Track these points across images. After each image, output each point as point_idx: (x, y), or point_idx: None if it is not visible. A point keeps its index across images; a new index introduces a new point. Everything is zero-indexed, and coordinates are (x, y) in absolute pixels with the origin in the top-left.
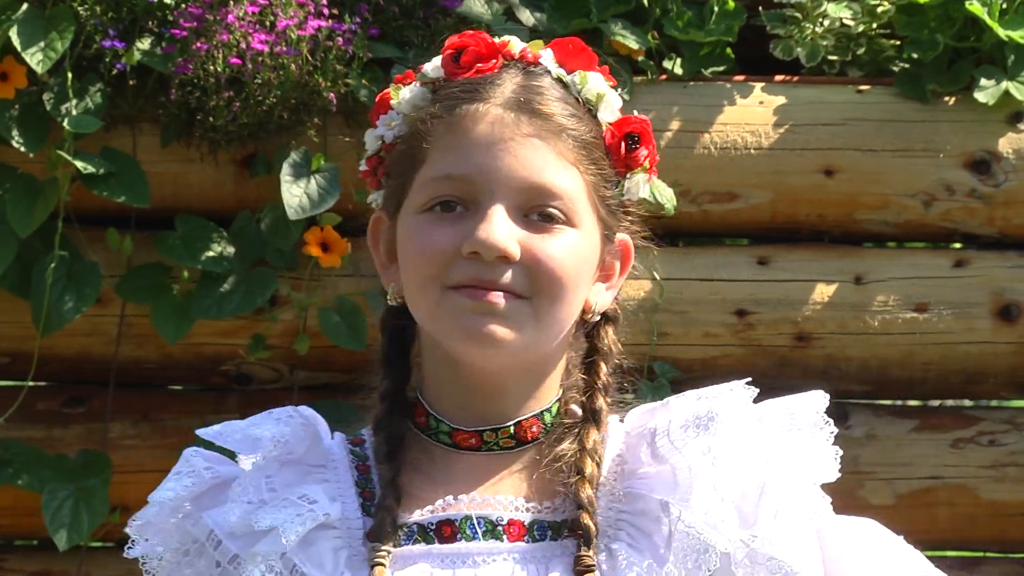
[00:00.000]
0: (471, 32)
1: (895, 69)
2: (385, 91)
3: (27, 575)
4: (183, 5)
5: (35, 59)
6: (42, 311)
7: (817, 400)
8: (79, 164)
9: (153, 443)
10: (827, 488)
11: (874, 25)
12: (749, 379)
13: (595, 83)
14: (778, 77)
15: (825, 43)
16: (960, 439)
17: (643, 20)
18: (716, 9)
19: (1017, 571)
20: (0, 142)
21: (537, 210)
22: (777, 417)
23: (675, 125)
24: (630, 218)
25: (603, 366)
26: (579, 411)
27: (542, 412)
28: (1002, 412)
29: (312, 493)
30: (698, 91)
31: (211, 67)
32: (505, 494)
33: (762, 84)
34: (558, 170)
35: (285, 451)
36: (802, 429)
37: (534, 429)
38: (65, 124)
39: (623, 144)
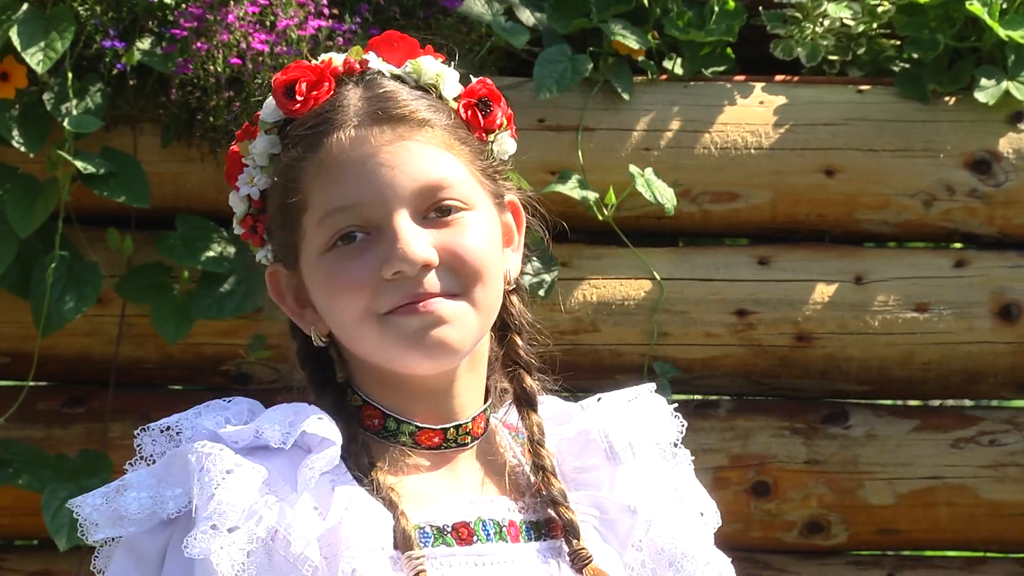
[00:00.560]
0: (292, 64)
1: (895, 69)
2: (231, 149)
3: (27, 575)
4: (183, 5)
5: (35, 59)
6: (42, 311)
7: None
8: (79, 164)
9: None
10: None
11: (874, 25)
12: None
13: (428, 66)
14: (778, 77)
15: (825, 43)
16: (960, 439)
17: (643, 20)
18: (716, 9)
19: (1017, 571)
20: (0, 142)
21: (434, 207)
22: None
23: (675, 125)
24: (503, 177)
25: (518, 340)
26: (513, 397)
27: (486, 408)
28: (1002, 412)
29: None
30: (698, 91)
31: (211, 67)
32: (493, 494)
33: (762, 84)
34: (436, 161)
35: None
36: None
37: (482, 425)
38: (65, 124)
39: (477, 112)
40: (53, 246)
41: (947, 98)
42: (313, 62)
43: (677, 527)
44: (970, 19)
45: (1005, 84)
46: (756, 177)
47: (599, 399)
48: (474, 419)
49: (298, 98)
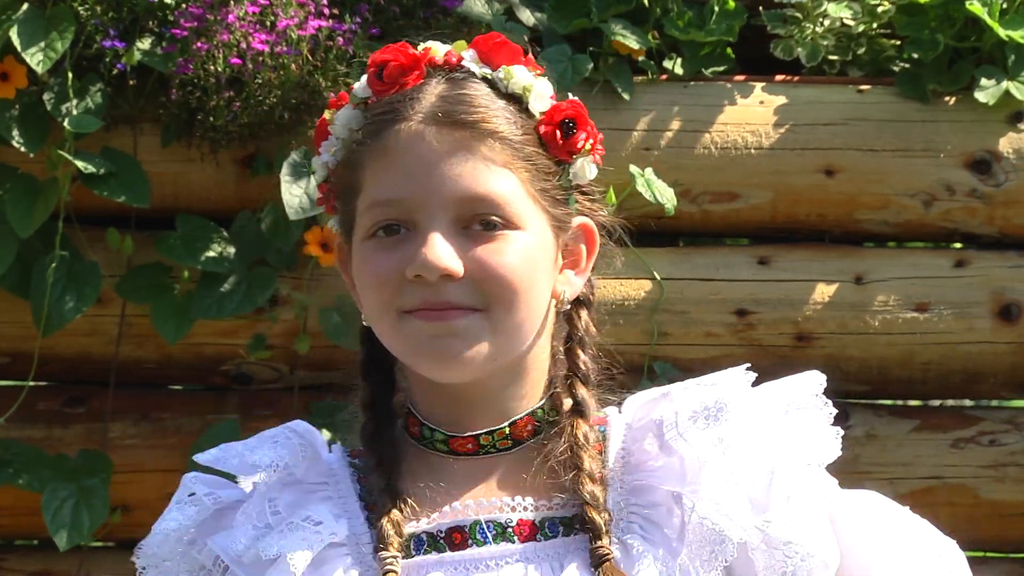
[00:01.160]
0: (393, 45)
1: (895, 69)
2: (323, 116)
3: (27, 575)
4: (183, 5)
5: (35, 59)
6: (42, 311)
7: (814, 381)
8: (79, 164)
9: (153, 443)
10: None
11: (874, 25)
12: (747, 365)
13: (520, 76)
14: (778, 77)
15: (825, 43)
16: (960, 439)
17: (643, 20)
18: (716, 9)
19: (1017, 571)
20: (0, 142)
21: (477, 220)
22: (777, 400)
23: (675, 125)
24: (589, 198)
25: (580, 353)
26: (568, 403)
27: (535, 409)
28: (1002, 412)
29: (316, 514)
30: (698, 91)
31: (211, 67)
32: (511, 495)
33: (762, 84)
34: (489, 176)
35: (286, 473)
36: (801, 410)
37: (529, 428)
38: (65, 124)
39: (559, 132)
40: (53, 246)
41: (947, 98)
42: (418, 48)
43: (724, 511)
44: (970, 19)
45: (1005, 84)
46: (756, 177)
47: (684, 384)
48: (515, 424)
49: (385, 80)
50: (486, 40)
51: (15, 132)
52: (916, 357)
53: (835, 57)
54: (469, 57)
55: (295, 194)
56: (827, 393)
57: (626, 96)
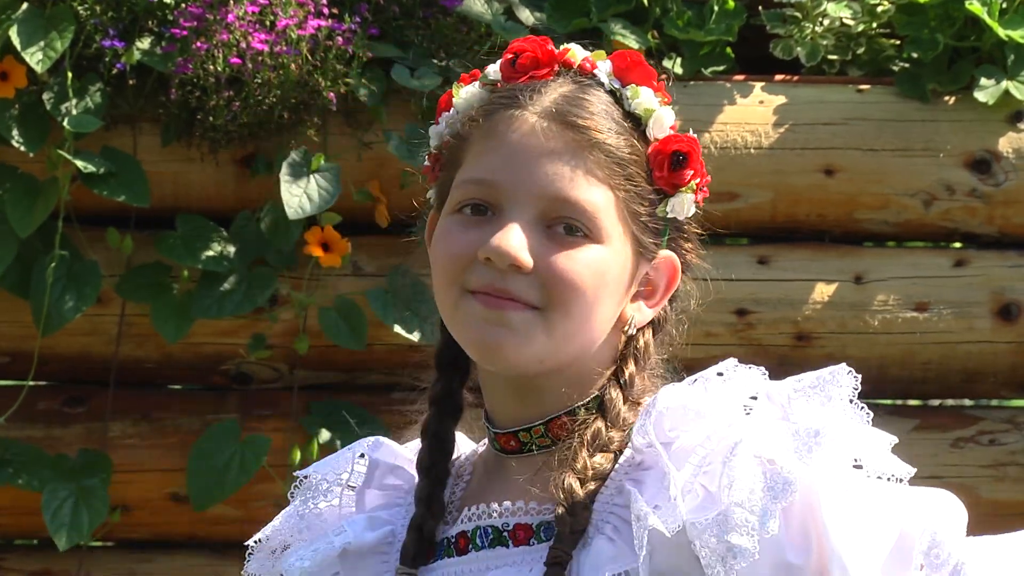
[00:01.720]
0: (534, 37)
1: (895, 69)
2: (449, 90)
3: (27, 574)
4: (183, 5)
5: (35, 58)
6: (42, 311)
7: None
8: (79, 163)
9: (153, 443)
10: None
11: (874, 25)
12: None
13: (646, 98)
14: (778, 77)
15: (825, 43)
16: (960, 438)
17: (643, 20)
18: (716, 9)
19: None
20: (0, 142)
21: (561, 222)
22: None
23: (675, 125)
24: (683, 236)
25: (630, 363)
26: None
27: (575, 408)
28: (1002, 411)
29: (356, 522)
30: (698, 91)
31: (211, 67)
32: (521, 497)
33: (762, 84)
34: (585, 184)
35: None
36: (832, 404)
37: (568, 427)
38: (65, 124)
39: (667, 162)
40: (53, 246)
41: (947, 98)
42: (558, 48)
43: (685, 491)
44: (970, 19)
45: (1005, 84)
46: (756, 177)
47: (695, 378)
48: (550, 422)
49: (517, 68)
50: (624, 55)
51: (15, 132)
52: (916, 357)
53: (835, 57)
54: (603, 68)
55: (295, 194)
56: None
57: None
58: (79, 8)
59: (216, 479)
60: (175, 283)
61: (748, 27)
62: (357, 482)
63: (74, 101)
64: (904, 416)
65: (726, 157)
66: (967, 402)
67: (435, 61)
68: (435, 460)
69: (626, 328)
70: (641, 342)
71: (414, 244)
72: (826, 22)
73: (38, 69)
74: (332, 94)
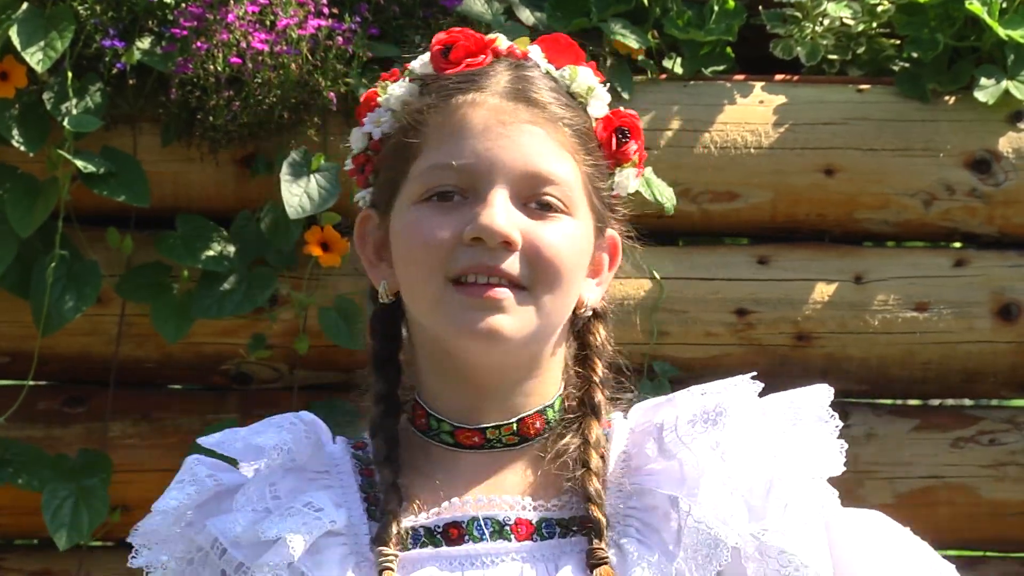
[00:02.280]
0: (459, 28)
1: (895, 68)
2: (372, 89)
3: (27, 574)
4: (183, 4)
5: (35, 58)
6: (42, 311)
7: (822, 394)
8: (79, 163)
9: (153, 443)
10: (831, 487)
11: (874, 24)
12: (754, 373)
13: (584, 77)
14: (778, 76)
15: (825, 42)
16: (960, 438)
17: (643, 19)
18: (716, 8)
19: (1017, 571)
20: (0, 142)
21: (536, 198)
22: (782, 411)
23: (675, 124)
24: (618, 214)
25: (598, 361)
26: (578, 406)
27: (545, 408)
28: (1002, 411)
29: (317, 500)
30: (698, 90)
31: (211, 66)
32: (511, 493)
33: (762, 83)
34: (556, 158)
35: (288, 458)
36: (807, 423)
37: (537, 425)
38: (65, 123)
39: (613, 138)
40: (53, 246)
41: (947, 98)
42: (484, 36)
43: (720, 516)
44: (970, 18)
45: (1005, 83)
46: (756, 177)
47: (689, 390)
48: (523, 420)
49: (452, 59)
50: (553, 39)
51: (15, 132)
52: (916, 356)
53: (835, 57)
54: (535, 52)
55: (295, 193)
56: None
57: (626, 95)
58: (79, 8)
59: None
60: (175, 283)
61: (748, 27)
62: (280, 459)
63: (74, 101)
64: (904, 416)
65: (726, 157)
66: (967, 402)
67: None
68: (390, 452)
69: (581, 310)
70: (600, 337)
71: None
72: (826, 22)
73: (38, 69)
74: (332, 94)
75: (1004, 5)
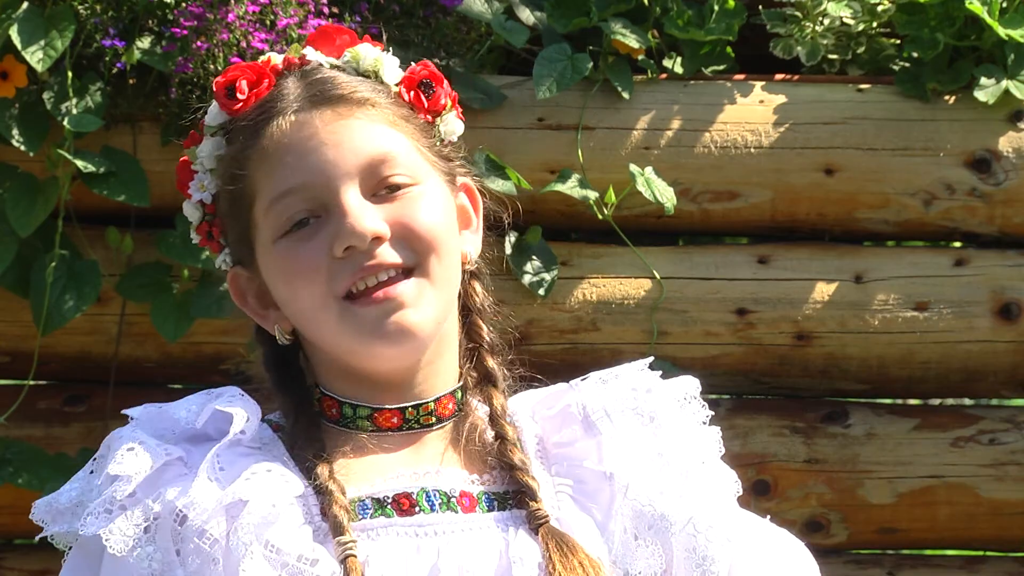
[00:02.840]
0: (231, 66)
1: (895, 68)
2: (182, 158)
3: (27, 574)
4: (183, 4)
5: (35, 58)
6: (42, 310)
7: (690, 384)
8: (79, 163)
9: None
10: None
11: (874, 24)
12: (650, 360)
13: (366, 53)
14: (778, 76)
15: (825, 42)
16: (960, 438)
17: (643, 19)
18: (716, 8)
19: (1017, 570)
20: (0, 141)
21: (383, 184)
22: (673, 395)
23: (675, 124)
24: (459, 161)
25: (482, 324)
26: (478, 380)
27: (455, 390)
28: (1002, 411)
29: (273, 469)
30: (698, 90)
31: (211, 66)
32: (450, 467)
33: (762, 83)
34: (381, 138)
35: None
36: (688, 407)
37: (450, 406)
38: (65, 123)
39: (420, 93)
40: (53, 245)
41: (947, 97)
42: (256, 62)
43: (657, 490)
44: (970, 18)
45: (1005, 83)
46: (756, 176)
47: (586, 377)
48: (438, 400)
49: (239, 96)
50: (321, 33)
51: (15, 131)
52: (916, 356)
53: (835, 56)
54: (311, 54)
55: None
56: (827, 391)
57: (626, 95)
58: (79, 7)
59: None
60: (175, 282)
61: (748, 26)
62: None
63: (74, 100)
64: (904, 415)
65: (726, 156)
66: (967, 401)
67: (435, 61)
68: (312, 437)
69: (467, 264)
70: (478, 296)
71: None
72: (826, 21)
73: (38, 68)
74: None
75: (1004, 5)
